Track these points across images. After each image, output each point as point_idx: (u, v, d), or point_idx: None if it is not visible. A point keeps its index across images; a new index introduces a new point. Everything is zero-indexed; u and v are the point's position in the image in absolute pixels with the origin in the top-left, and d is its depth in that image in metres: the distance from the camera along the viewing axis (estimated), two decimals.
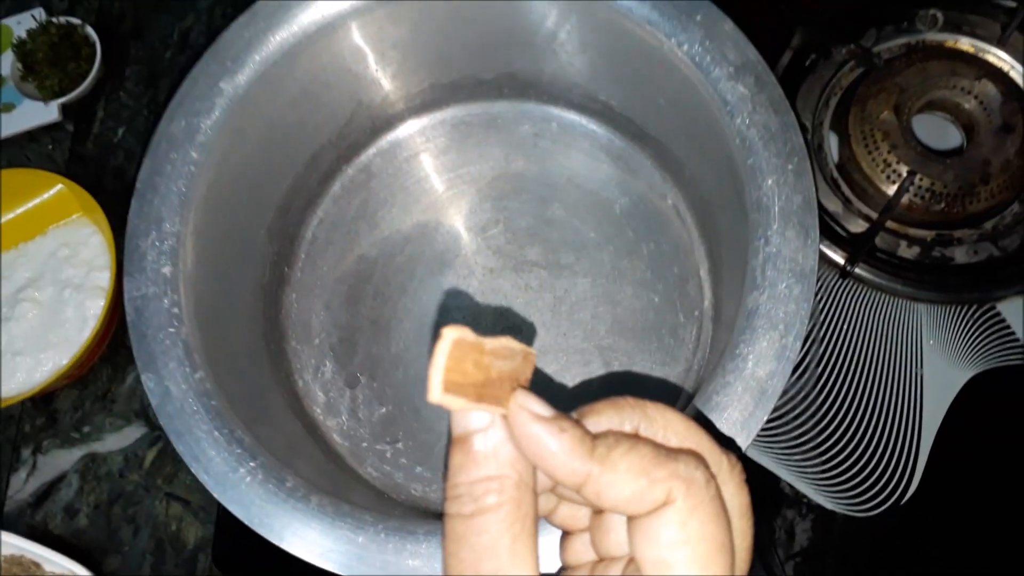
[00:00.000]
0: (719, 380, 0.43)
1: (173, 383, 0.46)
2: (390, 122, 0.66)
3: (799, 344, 0.43)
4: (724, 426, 0.42)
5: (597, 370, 0.60)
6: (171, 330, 0.47)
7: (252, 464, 0.44)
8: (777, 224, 0.45)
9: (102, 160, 0.77)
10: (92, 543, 0.65)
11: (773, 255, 0.45)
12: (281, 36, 0.52)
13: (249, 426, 0.47)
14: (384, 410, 0.60)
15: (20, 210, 0.70)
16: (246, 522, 0.44)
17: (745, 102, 0.47)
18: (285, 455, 0.48)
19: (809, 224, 0.45)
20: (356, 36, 0.56)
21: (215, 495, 0.44)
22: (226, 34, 0.52)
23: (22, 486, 0.67)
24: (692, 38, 0.48)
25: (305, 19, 0.53)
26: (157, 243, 0.49)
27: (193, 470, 0.45)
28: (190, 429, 0.45)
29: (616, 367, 0.60)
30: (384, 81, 0.62)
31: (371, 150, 0.67)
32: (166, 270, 0.48)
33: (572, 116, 0.65)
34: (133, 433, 0.68)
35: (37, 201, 0.70)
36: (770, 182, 0.46)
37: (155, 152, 0.51)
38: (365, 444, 0.59)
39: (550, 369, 0.60)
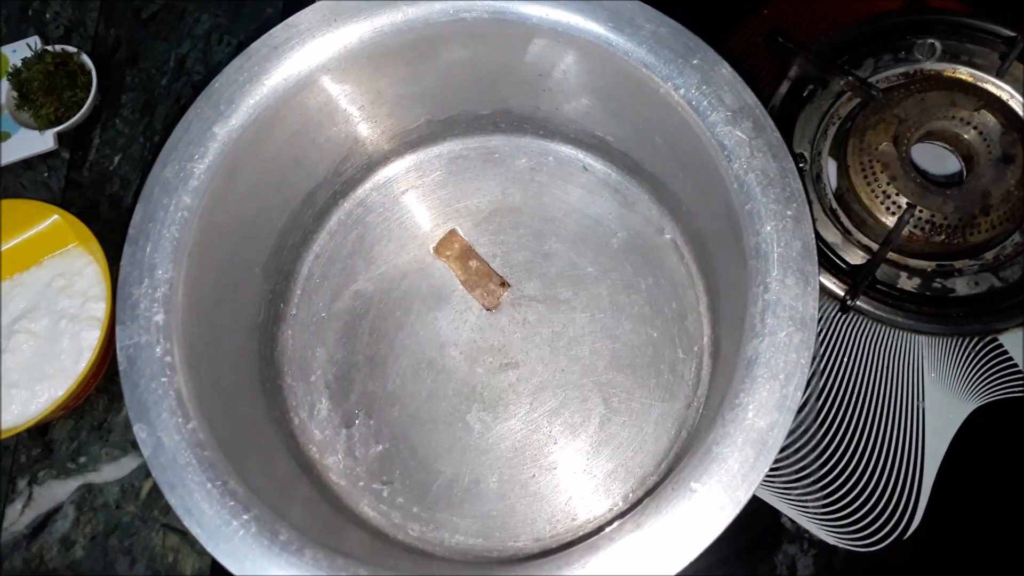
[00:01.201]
0: (719, 430, 0.43)
1: (165, 434, 0.46)
2: (386, 157, 0.66)
3: (800, 394, 0.42)
4: (725, 478, 0.42)
5: (596, 406, 0.59)
6: (163, 379, 0.47)
7: (245, 517, 0.44)
8: (776, 271, 0.44)
9: (98, 188, 0.76)
10: (88, 575, 0.64)
11: (772, 302, 0.44)
12: (275, 79, 0.52)
13: (242, 471, 0.47)
14: (380, 448, 0.60)
15: (15, 241, 0.70)
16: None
17: (743, 147, 0.46)
18: (279, 499, 0.48)
19: (809, 271, 0.44)
20: (350, 77, 0.56)
21: (208, 548, 0.44)
22: (220, 78, 0.52)
23: (17, 518, 0.66)
24: (689, 82, 0.48)
25: (299, 62, 0.53)
26: (150, 290, 0.48)
27: (186, 523, 0.44)
28: (183, 481, 0.45)
29: (615, 403, 0.59)
30: (379, 118, 0.61)
31: (367, 185, 0.66)
32: (159, 318, 0.48)
33: (569, 150, 0.65)
34: (129, 464, 0.67)
35: (32, 232, 0.70)
36: (769, 228, 0.45)
37: (148, 198, 0.50)
38: (361, 483, 0.59)
39: (548, 405, 0.60)
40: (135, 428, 0.46)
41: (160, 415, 0.46)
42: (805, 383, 0.43)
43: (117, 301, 0.49)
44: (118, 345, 0.48)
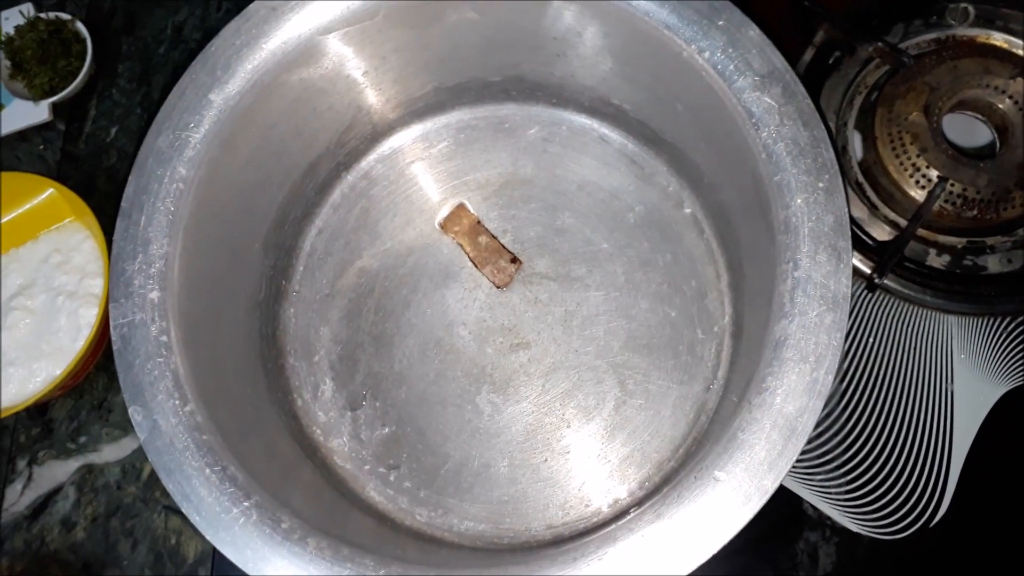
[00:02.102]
0: (744, 415, 0.41)
1: (162, 416, 0.44)
2: (392, 127, 0.63)
3: (831, 378, 0.40)
4: (751, 466, 0.40)
5: (611, 388, 0.57)
6: (159, 359, 0.45)
7: (246, 504, 0.42)
8: (807, 247, 0.42)
9: (95, 160, 0.75)
10: (90, 557, 0.63)
11: (803, 280, 0.42)
12: (274, 43, 0.50)
13: (243, 456, 0.45)
14: (386, 431, 0.58)
15: (11, 215, 0.69)
16: (240, 566, 0.42)
17: (772, 114, 0.44)
18: (281, 485, 0.46)
19: (842, 247, 0.42)
20: (353, 40, 0.54)
21: (207, 537, 0.42)
22: (215, 41, 0.50)
23: (18, 498, 0.65)
24: (714, 44, 0.45)
25: (299, 24, 0.50)
26: (144, 266, 0.46)
27: (184, 510, 0.43)
28: (180, 466, 0.43)
29: (631, 385, 0.57)
30: (385, 85, 0.59)
31: (372, 156, 0.64)
32: (154, 295, 0.46)
33: (583, 119, 0.62)
34: (130, 444, 0.66)
35: (28, 206, 0.69)
36: (799, 201, 0.43)
37: (141, 169, 0.48)
38: (367, 467, 0.57)
39: (561, 387, 0.58)
40: (130, 411, 0.45)
41: (156, 397, 0.45)
42: (837, 367, 0.41)
43: (110, 278, 0.47)
44: (111, 324, 0.46)
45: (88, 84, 0.75)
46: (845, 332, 0.41)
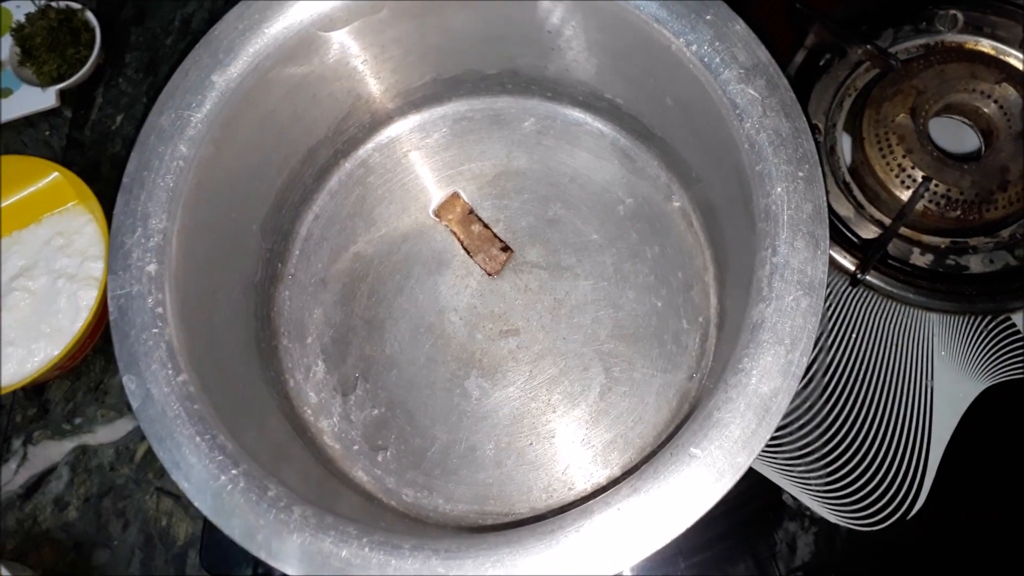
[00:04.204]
0: (720, 395, 0.42)
1: (155, 385, 0.45)
2: (390, 117, 0.64)
3: (806, 360, 0.41)
4: (725, 444, 0.41)
5: (597, 375, 0.58)
6: (155, 331, 0.46)
7: (234, 472, 0.43)
8: (786, 233, 0.43)
9: (100, 147, 0.76)
10: (81, 536, 0.64)
11: (781, 266, 0.43)
12: (276, 28, 0.51)
13: (234, 431, 0.46)
14: (376, 412, 0.59)
15: (15, 198, 0.69)
16: (225, 531, 0.42)
17: (755, 105, 0.45)
18: (272, 461, 0.47)
19: (819, 235, 0.43)
20: (355, 31, 0.55)
21: (195, 503, 0.43)
22: (219, 25, 0.51)
23: (12, 477, 0.66)
24: (701, 38, 0.47)
25: (301, 11, 0.51)
26: (143, 240, 0.47)
27: (173, 477, 0.44)
28: (171, 434, 0.44)
29: (616, 372, 0.58)
30: (384, 75, 0.60)
31: (369, 145, 0.65)
32: (151, 268, 0.47)
33: (577, 113, 0.63)
34: (125, 426, 0.67)
35: (32, 189, 0.69)
36: (779, 189, 0.44)
37: (143, 146, 0.49)
38: (356, 447, 0.58)
39: (548, 373, 0.59)
40: (124, 379, 0.45)
41: (150, 366, 0.45)
42: (811, 349, 0.42)
43: (110, 250, 0.48)
44: (109, 295, 0.47)
45: (96, 72, 0.76)
46: (820, 316, 0.41)
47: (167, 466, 0.44)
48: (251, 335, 0.58)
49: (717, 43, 0.46)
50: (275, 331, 0.60)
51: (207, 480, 0.43)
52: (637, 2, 0.49)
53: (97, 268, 0.66)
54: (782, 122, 0.45)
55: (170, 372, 0.45)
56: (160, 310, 0.47)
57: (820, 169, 0.44)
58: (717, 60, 0.46)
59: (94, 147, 0.75)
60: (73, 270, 0.67)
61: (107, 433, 0.67)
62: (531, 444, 0.57)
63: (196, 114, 0.50)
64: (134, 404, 0.45)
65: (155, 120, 0.50)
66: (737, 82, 0.46)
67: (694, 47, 0.47)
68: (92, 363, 0.68)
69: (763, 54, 0.46)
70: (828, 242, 0.43)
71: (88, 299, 0.65)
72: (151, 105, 0.75)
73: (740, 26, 0.47)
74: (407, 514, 0.56)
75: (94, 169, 0.74)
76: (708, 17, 0.47)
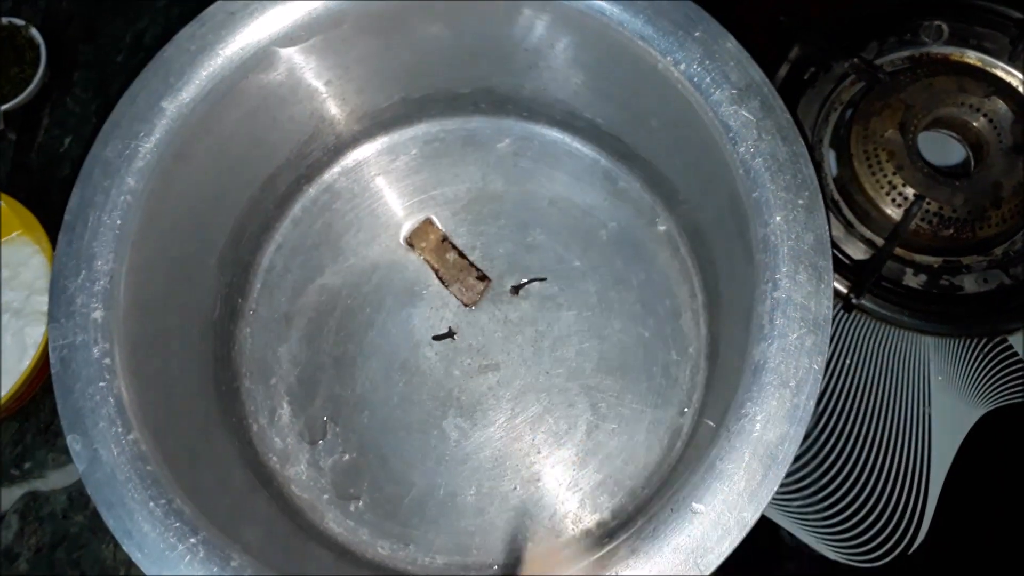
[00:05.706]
0: (723, 443, 0.39)
1: (103, 446, 0.41)
2: (356, 139, 0.61)
3: (812, 404, 0.39)
4: (730, 497, 0.38)
5: (583, 412, 0.56)
6: (101, 384, 0.42)
7: (192, 540, 0.40)
8: (787, 266, 0.41)
9: (47, 172, 0.72)
10: None
11: (782, 301, 0.40)
12: (231, 49, 0.48)
13: (192, 490, 0.42)
14: (347, 458, 0.55)
15: None
16: None
17: (749, 128, 0.42)
18: (233, 518, 0.44)
19: (822, 267, 0.40)
20: (316, 48, 0.52)
21: None
22: (169, 47, 0.47)
23: None
24: (690, 56, 0.44)
25: (258, 29, 0.48)
26: (88, 283, 0.44)
27: (125, 547, 0.40)
28: (121, 500, 0.40)
29: (603, 408, 0.56)
30: (348, 95, 0.57)
31: (335, 169, 0.62)
32: (97, 314, 0.43)
33: (555, 133, 0.61)
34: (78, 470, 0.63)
35: None
36: (778, 218, 0.41)
37: (86, 180, 0.46)
38: (326, 496, 0.54)
39: (531, 411, 0.56)
40: (68, 439, 0.42)
41: (97, 424, 0.42)
42: (818, 392, 0.39)
43: (51, 296, 0.44)
44: (50, 346, 0.43)
45: (42, 92, 0.73)
46: (826, 355, 0.39)
47: (118, 536, 0.40)
48: (210, 378, 0.54)
49: (707, 62, 0.44)
50: (236, 372, 0.57)
51: (163, 551, 0.40)
52: (622, 15, 0.46)
53: (44, 302, 0.62)
54: (779, 146, 0.42)
55: (119, 430, 0.41)
56: (107, 361, 0.43)
57: (821, 196, 0.41)
58: (708, 80, 0.44)
59: (41, 171, 0.72)
60: (19, 304, 0.64)
61: (59, 478, 0.63)
62: (515, 488, 0.54)
63: (145, 144, 0.46)
64: (80, 467, 0.41)
65: (99, 152, 0.46)
66: (729, 103, 0.43)
67: (683, 66, 0.44)
68: (41, 403, 0.64)
69: (756, 74, 0.44)
70: (832, 275, 0.40)
71: (35, 336, 0.62)
72: (100, 126, 0.73)
73: (732, 43, 0.44)
74: (384, 567, 0.52)
75: (42, 194, 0.70)
76: (697, 34, 0.44)
